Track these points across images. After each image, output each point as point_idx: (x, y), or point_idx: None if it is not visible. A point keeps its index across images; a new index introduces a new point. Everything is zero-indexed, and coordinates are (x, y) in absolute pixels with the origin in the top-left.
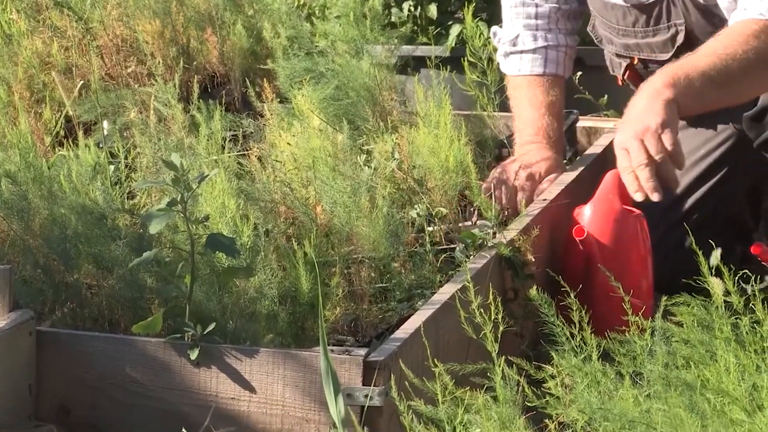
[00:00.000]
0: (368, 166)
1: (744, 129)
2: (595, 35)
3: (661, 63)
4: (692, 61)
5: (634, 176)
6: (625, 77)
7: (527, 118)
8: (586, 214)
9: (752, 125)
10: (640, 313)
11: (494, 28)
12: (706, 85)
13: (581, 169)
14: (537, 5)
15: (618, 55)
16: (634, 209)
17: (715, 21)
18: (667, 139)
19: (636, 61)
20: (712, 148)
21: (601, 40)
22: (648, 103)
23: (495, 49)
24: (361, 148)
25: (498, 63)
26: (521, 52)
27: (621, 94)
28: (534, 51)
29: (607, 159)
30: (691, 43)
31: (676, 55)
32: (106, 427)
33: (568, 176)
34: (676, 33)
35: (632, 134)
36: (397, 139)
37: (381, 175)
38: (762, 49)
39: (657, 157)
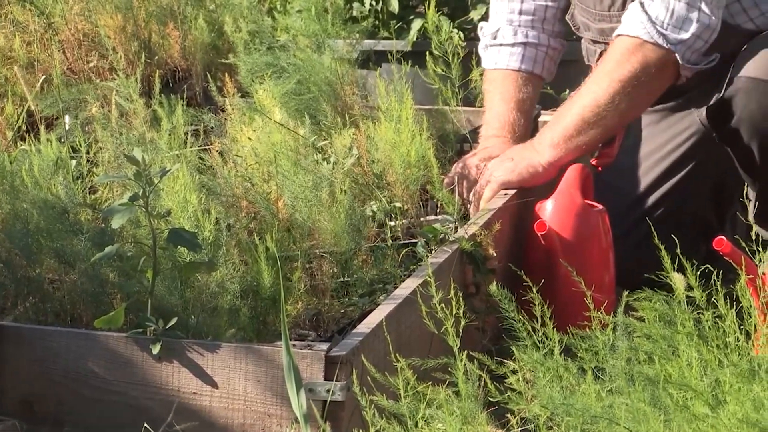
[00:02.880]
0: (326, 161)
1: (706, 123)
2: (573, 24)
3: None
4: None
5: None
6: (598, 63)
7: (496, 112)
8: (548, 209)
9: (714, 118)
10: (602, 308)
11: (482, 23)
12: (583, 130)
13: None
14: (522, 1)
15: (594, 42)
16: (595, 204)
17: None
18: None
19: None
20: (677, 144)
21: (579, 28)
22: (527, 161)
23: (460, 44)
24: (314, 145)
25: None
26: (500, 45)
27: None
28: (512, 45)
29: None
30: None
31: None
32: (69, 422)
33: None
34: None
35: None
36: (355, 134)
37: (340, 169)
38: (634, 72)
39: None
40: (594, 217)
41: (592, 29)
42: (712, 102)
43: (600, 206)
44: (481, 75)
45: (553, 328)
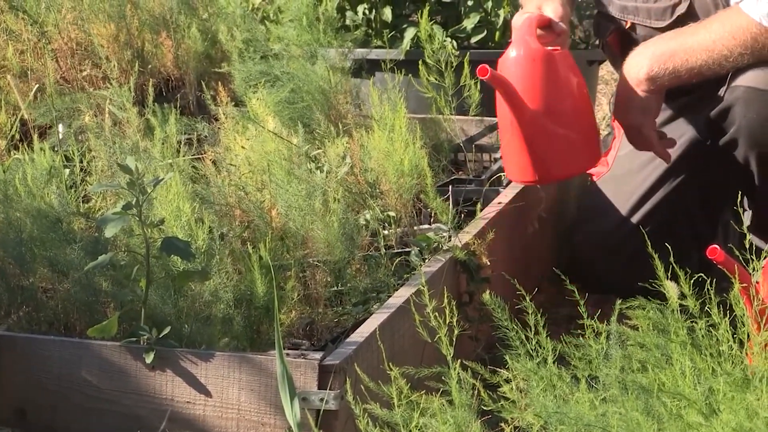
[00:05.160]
0: (320, 170)
1: (704, 132)
2: None
3: (653, 30)
4: (685, 51)
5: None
6: (608, 40)
7: None
8: (510, 57)
9: (712, 126)
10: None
11: None
12: (692, 76)
13: None
14: None
15: (608, 18)
16: (556, 47)
17: (718, 1)
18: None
19: (628, 25)
20: (672, 152)
21: (599, 1)
22: (629, 95)
23: (453, 53)
24: (308, 154)
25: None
26: None
27: None
28: None
29: None
30: (689, 15)
31: (671, 26)
32: (62, 430)
33: None
34: (679, 2)
35: (621, 123)
36: (348, 143)
37: (333, 178)
38: (757, 55)
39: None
40: (559, 59)
41: (613, 5)
42: (710, 110)
43: (560, 49)
44: (475, 83)
45: (535, 180)
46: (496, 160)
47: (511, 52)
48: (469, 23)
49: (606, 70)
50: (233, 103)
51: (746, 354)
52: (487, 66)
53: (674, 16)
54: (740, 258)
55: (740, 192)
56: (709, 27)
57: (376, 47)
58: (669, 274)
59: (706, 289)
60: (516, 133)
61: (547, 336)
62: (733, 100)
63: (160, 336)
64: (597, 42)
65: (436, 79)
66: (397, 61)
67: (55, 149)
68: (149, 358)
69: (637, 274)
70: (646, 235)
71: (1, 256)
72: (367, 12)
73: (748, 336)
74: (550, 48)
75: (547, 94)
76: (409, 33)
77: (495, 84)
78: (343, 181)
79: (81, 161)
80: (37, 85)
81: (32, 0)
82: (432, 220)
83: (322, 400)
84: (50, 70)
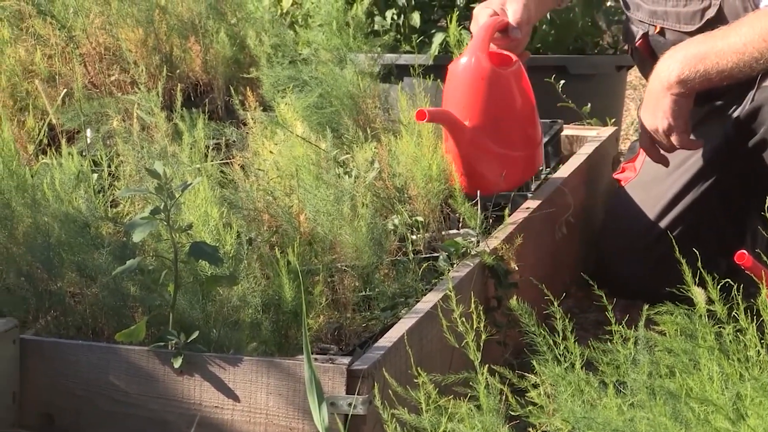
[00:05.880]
0: (348, 175)
1: (732, 135)
2: (623, 2)
3: (682, 34)
4: (716, 54)
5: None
6: (637, 44)
7: None
8: (459, 67)
9: (741, 129)
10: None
11: None
12: (723, 79)
13: (566, 176)
14: None
15: (639, 22)
16: (510, 56)
17: (747, 5)
18: (674, 140)
19: (657, 30)
20: (699, 157)
21: (628, 7)
22: (659, 98)
23: None
24: (336, 158)
25: None
26: None
27: (603, 101)
28: None
29: (591, 166)
30: (719, 18)
31: (700, 30)
32: None
33: (553, 185)
34: (709, 6)
35: (647, 126)
36: (377, 147)
37: (362, 183)
38: None
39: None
40: (498, 79)
41: (643, 9)
42: (739, 111)
43: (513, 60)
44: None
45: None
46: None
47: (462, 60)
48: None
49: (634, 75)
50: (261, 108)
51: None
52: (423, 110)
53: (703, 20)
54: None
55: (766, 195)
56: (738, 30)
57: (404, 52)
58: (696, 280)
59: (733, 295)
60: (456, 150)
61: (574, 341)
62: (763, 100)
63: (188, 341)
64: (626, 47)
65: None
66: (426, 66)
67: (83, 154)
68: (177, 363)
69: (664, 279)
70: (673, 241)
71: (30, 261)
72: (395, 17)
73: None
74: (504, 52)
75: (488, 113)
76: (438, 38)
77: (436, 121)
78: (372, 186)
79: (109, 166)
80: (65, 90)
81: (60, 5)
82: (460, 225)
83: (350, 405)
84: (78, 75)
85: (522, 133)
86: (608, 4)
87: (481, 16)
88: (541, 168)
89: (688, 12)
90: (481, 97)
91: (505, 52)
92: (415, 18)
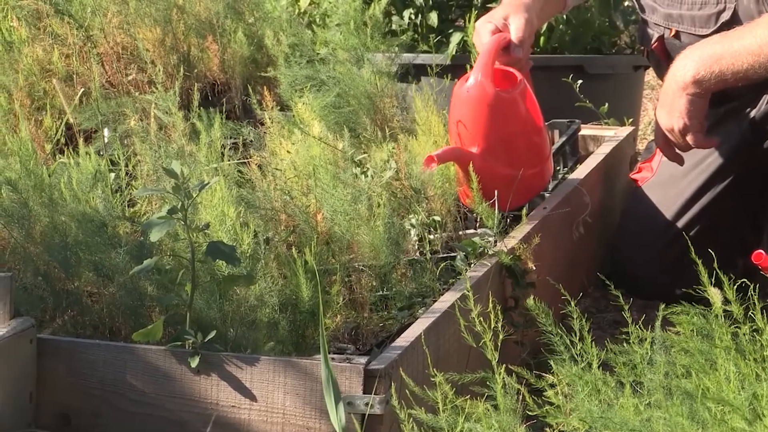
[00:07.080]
0: (365, 175)
1: (748, 136)
2: (638, 5)
3: (697, 37)
4: (731, 55)
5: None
6: (652, 47)
7: None
8: (464, 90)
9: (760, 127)
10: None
11: None
12: (738, 80)
13: (583, 176)
14: None
15: (655, 25)
16: (515, 74)
17: (762, 8)
18: (690, 139)
19: (672, 33)
20: (716, 158)
21: (644, 10)
22: (674, 98)
23: None
24: (353, 158)
25: None
26: None
27: (620, 101)
28: None
29: (609, 166)
30: (734, 21)
31: (715, 33)
32: None
33: (570, 185)
34: (723, 9)
35: (663, 125)
36: (394, 147)
37: (378, 183)
38: None
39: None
40: (501, 104)
41: (658, 12)
42: (755, 112)
43: (516, 80)
44: None
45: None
46: None
47: (467, 84)
48: None
49: (651, 75)
50: (279, 108)
51: None
52: (432, 155)
53: (718, 23)
54: None
55: None
56: (754, 31)
57: (422, 52)
58: (713, 280)
59: (749, 295)
60: (466, 180)
61: (591, 341)
62: None
63: (206, 340)
64: (641, 49)
65: None
66: (444, 65)
67: (101, 153)
68: (194, 363)
69: (681, 279)
70: (690, 241)
71: (47, 260)
72: (413, 17)
73: None
74: (508, 69)
75: (495, 137)
76: (455, 38)
77: (445, 161)
78: (389, 186)
79: (126, 165)
80: (83, 89)
81: (78, 4)
82: (477, 224)
83: (367, 404)
84: (96, 74)
85: (530, 152)
86: (626, 3)
87: (483, 32)
88: (558, 168)
89: (703, 15)
90: (486, 123)
91: (510, 69)
92: (433, 17)
